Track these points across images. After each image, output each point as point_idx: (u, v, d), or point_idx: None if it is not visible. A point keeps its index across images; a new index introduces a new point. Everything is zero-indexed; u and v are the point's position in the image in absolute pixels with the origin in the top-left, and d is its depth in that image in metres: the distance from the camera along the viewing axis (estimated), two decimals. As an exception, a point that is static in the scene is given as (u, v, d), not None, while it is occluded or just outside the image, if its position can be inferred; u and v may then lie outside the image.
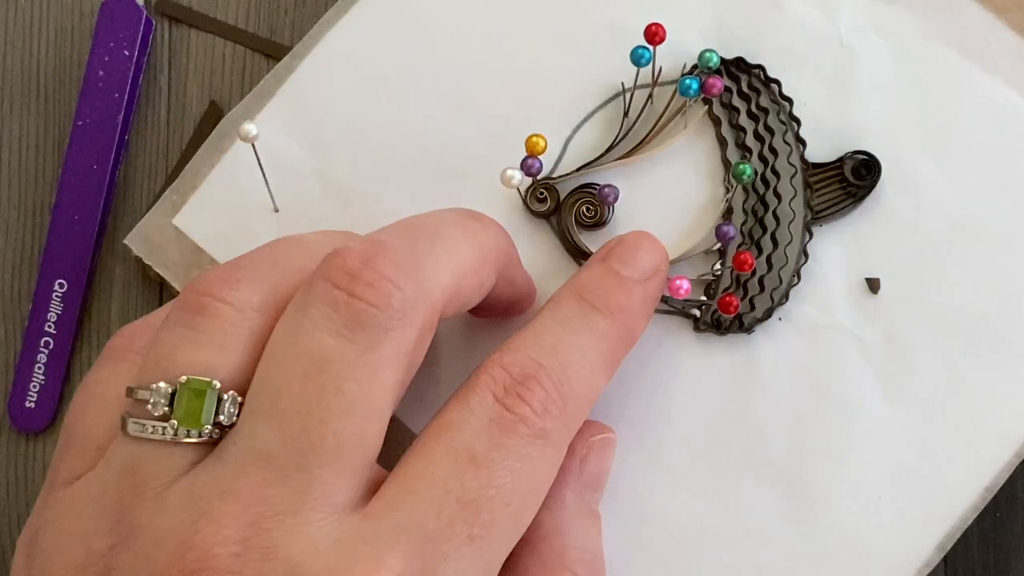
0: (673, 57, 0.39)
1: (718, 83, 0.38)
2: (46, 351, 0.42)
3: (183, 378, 0.27)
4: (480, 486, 0.28)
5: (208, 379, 0.27)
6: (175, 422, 0.27)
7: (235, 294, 0.28)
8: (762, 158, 0.39)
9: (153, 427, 0.27)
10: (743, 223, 0.39)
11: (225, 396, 0.27)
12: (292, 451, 0.26)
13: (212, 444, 0.28)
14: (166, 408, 0.27)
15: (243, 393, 0.28)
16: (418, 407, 0.37)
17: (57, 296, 0.42)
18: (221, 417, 0.27)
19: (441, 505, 0.27)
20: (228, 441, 0.27)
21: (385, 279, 0.28)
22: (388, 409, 0.28)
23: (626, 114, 0.39)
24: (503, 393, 0.29)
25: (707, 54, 0.39)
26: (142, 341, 0.31)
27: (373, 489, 0.28)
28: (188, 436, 0.27)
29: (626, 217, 0.39)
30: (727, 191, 0.39)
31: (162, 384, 0.27)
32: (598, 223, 0.39)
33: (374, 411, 0.27)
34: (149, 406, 0.27)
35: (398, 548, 0.26)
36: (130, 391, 0.28)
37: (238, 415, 0.27)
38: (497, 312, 0.37)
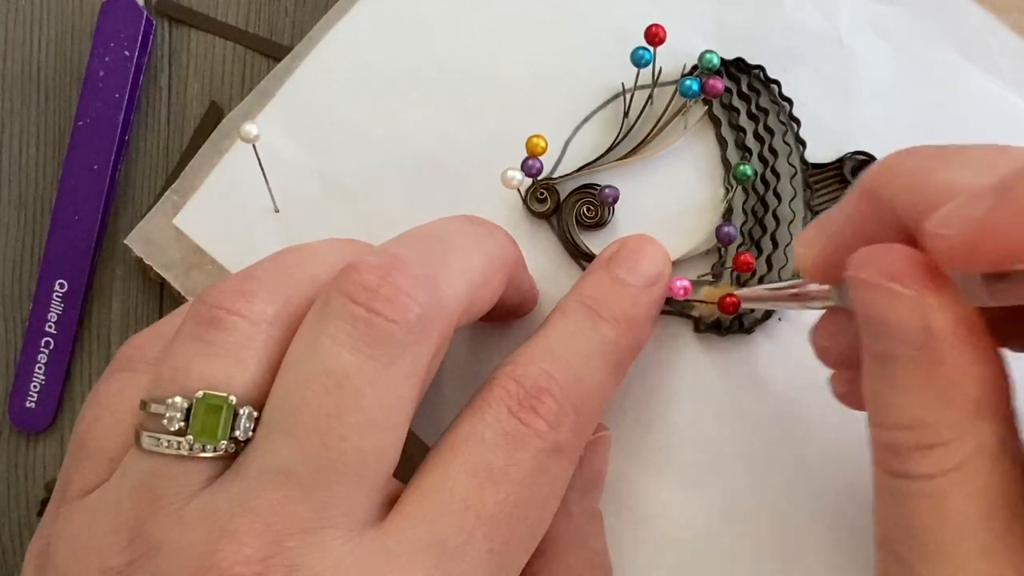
0: (673, 58, 0.39)
1: (718, 84, 0.38)
2: (46, 351, 0.42)
3: (199, 393, 0.27)
4: (499, 501, 0.28)
5: (224, 394, 0.27)
6: (191, 437, 0.27)
7: (249, 307, 0.28)
8: (762, 159, 0.39)
9: (169, 441, 0.27)
10: (743, 224, 0.39)
11: (241, 411, 0.27)
12: (313, 468, 0.26)
13: (228, 459, 0.27)
14: (182, 423, 0.27)
15: (258, 407, 0.27)
16: (419, 409, 0.37)
17: (57, 296, 0.42)
18: (237, 432, 0.27)
19: (461, 521, 0.27)
20: (246, 457, 0.27)
21: (404, 294, 0.27)
22: (406, 423, 0.28)
23: (626, 115, 0.39)
24: (518, 407, 0.29)
25: (708, 55, 0.39)
26: (153, 351, 0.30)
27: (390, 502, 0.28)
28: (204, 451, 0.27)
29: (626, 217, 0.39)
30: (727, 192, 0.39)
31: (178, 399, 0.27)
32: (598, 223, 0.39)
33: (393, 426, 0.27)
34: (165, 420, 0.27)
35: (420, 565, 0.27)
36: (144, 404, 0.28)
37: (254, 430, 0.27)
38: (501, 316, 0.37)
